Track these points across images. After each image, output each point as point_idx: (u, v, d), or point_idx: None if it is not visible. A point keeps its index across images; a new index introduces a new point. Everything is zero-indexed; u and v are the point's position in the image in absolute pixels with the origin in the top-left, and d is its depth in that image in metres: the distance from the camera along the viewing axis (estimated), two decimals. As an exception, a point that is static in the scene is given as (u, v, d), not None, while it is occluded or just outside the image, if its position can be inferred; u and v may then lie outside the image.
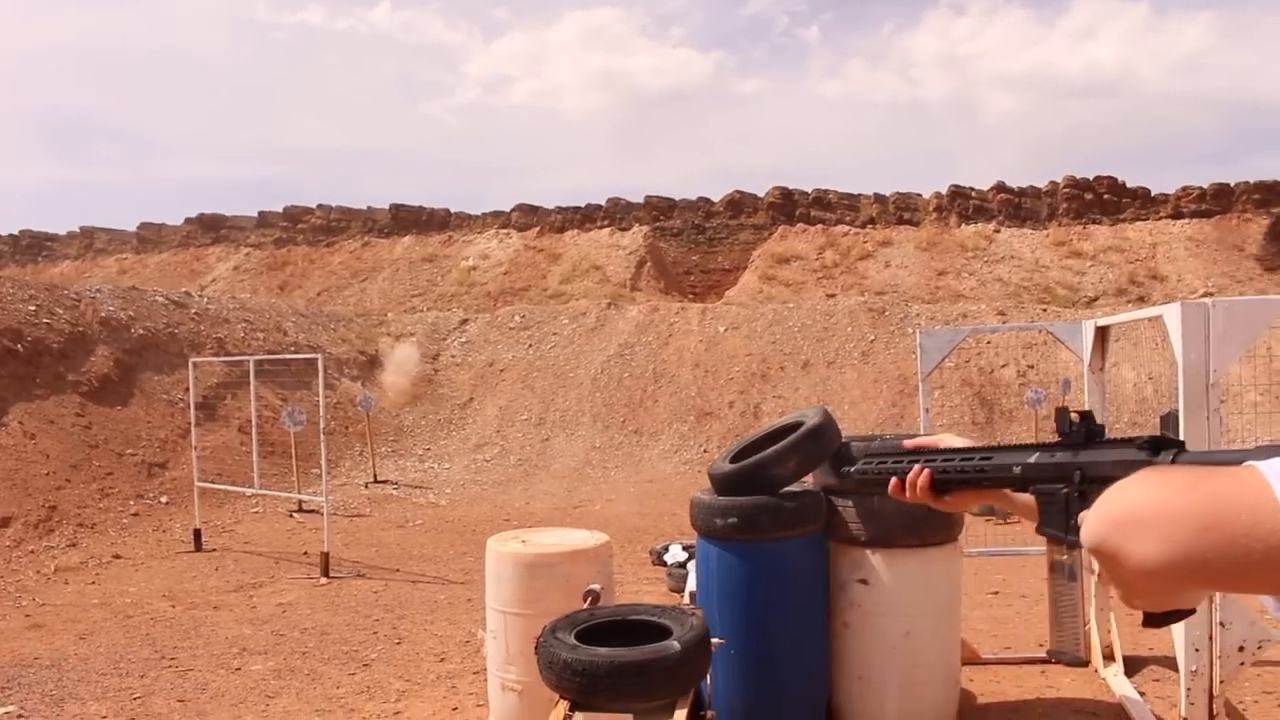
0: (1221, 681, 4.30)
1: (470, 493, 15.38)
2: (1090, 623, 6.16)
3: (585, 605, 4.87)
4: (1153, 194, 51.61)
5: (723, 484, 5.11)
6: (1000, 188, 52.81)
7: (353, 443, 17.00)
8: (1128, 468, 1.07)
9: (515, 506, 13.99)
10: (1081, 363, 6.15)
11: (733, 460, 5.23)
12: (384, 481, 15.75)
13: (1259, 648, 4.30)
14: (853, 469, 1.68)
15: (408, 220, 39.91)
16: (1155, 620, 1.03)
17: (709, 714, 4.89)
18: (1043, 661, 6.21)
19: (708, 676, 4.69)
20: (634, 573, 9.56)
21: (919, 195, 53.55)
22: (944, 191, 52.68)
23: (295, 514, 13.15)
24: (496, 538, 5.78)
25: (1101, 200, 52.49)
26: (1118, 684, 5.66)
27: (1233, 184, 49.73)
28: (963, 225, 30.43)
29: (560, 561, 5.22)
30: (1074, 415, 1.26)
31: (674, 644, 4.18)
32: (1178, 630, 4.38)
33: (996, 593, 8.14)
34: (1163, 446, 1.11)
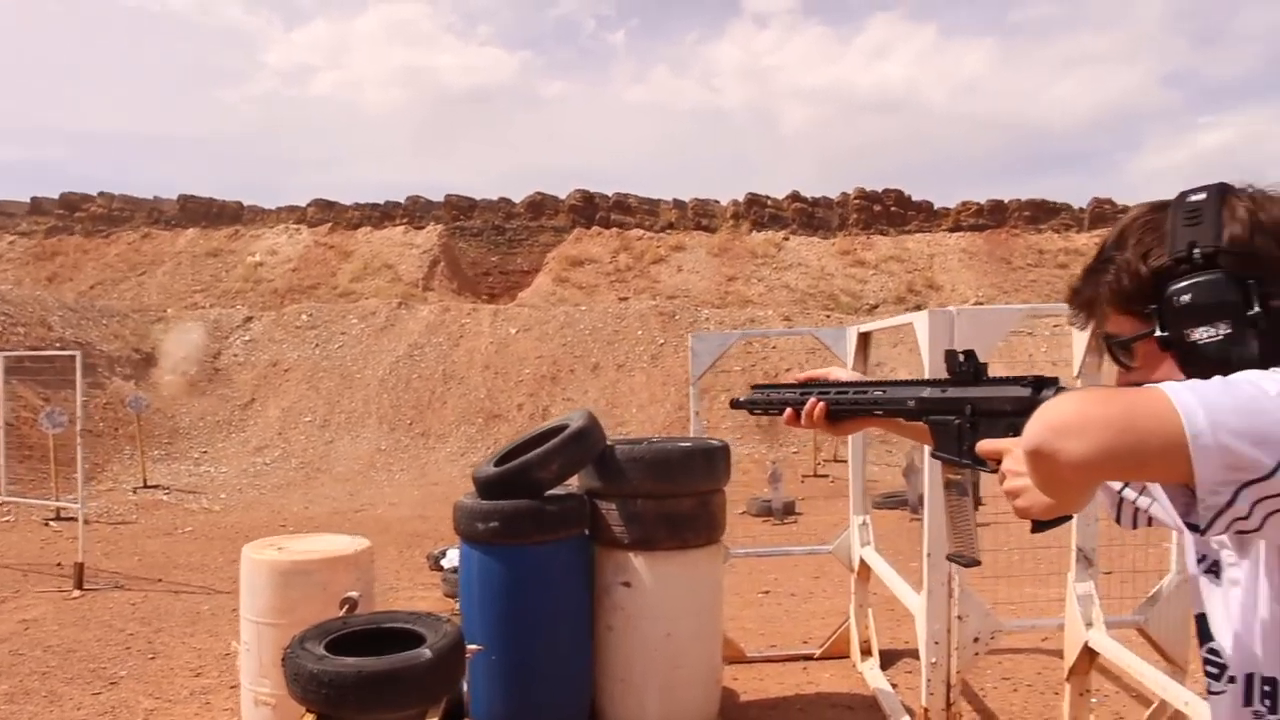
0: (959, 672, 4.49)
1: (247, 498, 14.75)
2: (850, 619, 6.37)
3: (342, 614, 4.71)
4: (935, 208, 54.39)
5: (486, 488, 5.02)
6: (795, 197, 54.54)
7: (122, 445, 16.08)
8: (1015, 402, 1.32)
9: (293, 511, 13.49)
10: (846, 367, 6.34)
11: (497, 464, 5.15)
12: (154, 486, 14.94)
13: (992, 638, 4.51)
14: (742, 399, 1.86)
15: (197, 212, 37.99)
16: (1042, 526, 1.26)
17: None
18: (805, 658, 6.38)
19: (465, 684, 4.60)
20: (410, 578, 9.35)
21: (717, 202, 54.75)
22: (741, 199, 54.09)
23: (51, 522, 12.30)
24: (253, 544, 5.52)
25: (889, 212, 54.87)
26: (872, 677, 5.86)
27: (1006, 200, 52.96)
28: (754, 232, 31.22)
29: (317, 569, 5.02)
30: (961, 355, 1.43)
31: (424, 652, 4.07)
32: (919, 624, 4.55)
33: (767, 592, 8.33)
34: (1044, 385, 1.31)
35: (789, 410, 1.72)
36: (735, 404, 1.93)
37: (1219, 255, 1.21)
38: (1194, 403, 0.98)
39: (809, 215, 52.00)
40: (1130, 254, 1.28)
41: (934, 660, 4.47)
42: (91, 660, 6.82)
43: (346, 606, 4.76)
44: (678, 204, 54.17)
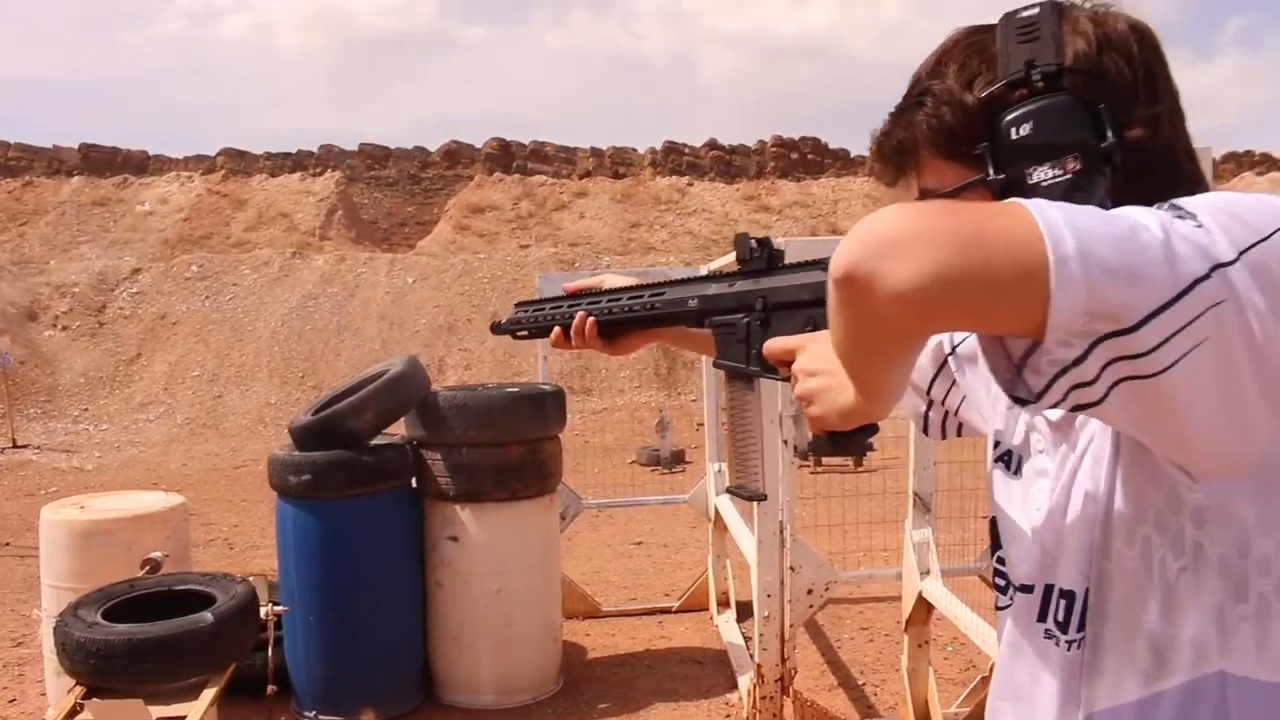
0: (792, 625, 4.28)
1: (125, 456, 14.18)
2: (708, 571, 6.16)
3: (142, 575, 4.39)
4: (852, 155, 54.49)
5: (300, 438, 4.70)
6: (713, 145, 54.25)
7: (-9, 404, 15.34)
8: (814, 289, 1.09)
9: (170, 469, 12.97)
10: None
11: (315, 413, 4.82)
12: (25, 446, 14.27)
13: (826, 589, 4.30)
14: (504, 321, 1.55)
15: (100, 162, 36.39)
16: (839, 441, 1.06)
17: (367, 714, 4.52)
18: (663, 611, 6.16)
19: (270, 649, 4.29)
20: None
21: (634, 150, 54.26)
22: (659, 147, 53.62)
23: (-97, 485, 11.69)
24: (51, 505, 5.15)
25: (806, 160, 54.89)
26: (727, 630, 5.66)
27: (920, 149, 53.30)
28: (657, 178, 30.87)
29: (119, 528, 4.67)
30: (754, 241, 1.20)
31: (206, 616, 3.76)
32: (754, 576, 4.32)
33: (640, 543, 8.11)
34: None
35: (556, 330, 1.43)
36: (496, 328, 1.59)
37: (1063, 75, 0.93)
38: (1062, 223, 0.72)
39: (727, 163, 51.81)
40: (952, 81, 0.97)
41: (766, 614, 4.24)
42: (-91, 629, 6.39)
43: (148, 567, 4.44)
44: (595, 152, 53.60)
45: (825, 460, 12.09)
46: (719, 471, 5.97)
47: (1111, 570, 0.91)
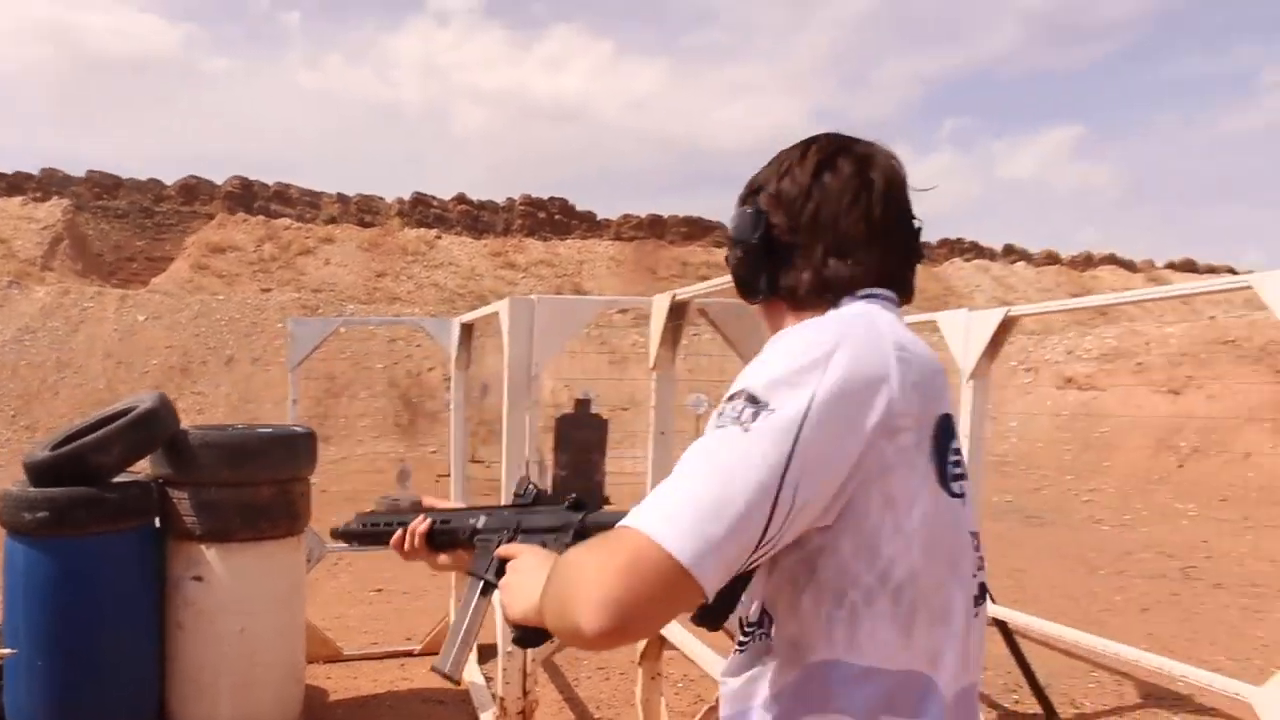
0: (534, 660, 4.52)
1: None
2: (451, 613, 6.30)
3: None
4: (598, 218, 55.94)
5: (38, 474, 4.56)
6: (461, 199, 54.38)
7: None
8: (552, 517, 1.46)
9: None
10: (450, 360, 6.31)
11: (54, 448, 4.70)
12: None
13: (567, 626, 4.58)
14: (342, 528, 1.82)
15: None
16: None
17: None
18: (405, 655, 6.27)
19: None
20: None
21: (382, 199, 53.71)
22: (407, 197, 53.29)
23: None
24: None
25: (553, 220, 55.97)
26: (467, 671, 5.82)
27: (665, 216, 55.27)
28: (405, 229, 30.83)
29: None
30: (533, 485, 1.56)
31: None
32: (498, 614, 4.54)
33: (380, 590, 8.14)
34: (580, 506, 1.45)
35: (395, 535, 1.68)
36: (335, 533, 1.86)
37: (757, 193, 1.32)
38: (671, 534, 1.01)
39: (474, 218, 52.10)
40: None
41: (510, 649, 4.48)
42: None
43: None
44: (341, 198, 52.72)
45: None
46: (465, 516, 6.16)
47: (772, 590, 1.22)
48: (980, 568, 1.25)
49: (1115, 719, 5.54)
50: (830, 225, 1.26)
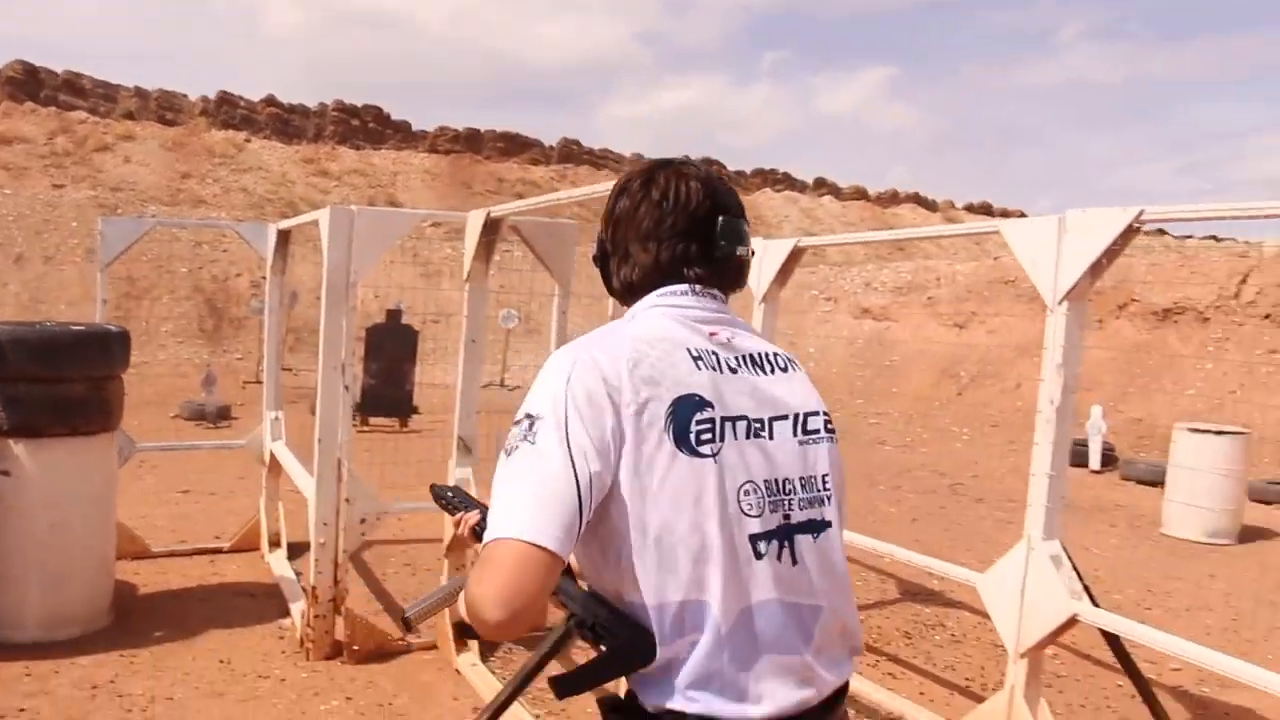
0: (345, 551, 4.78)
1: None
2: (261, 512, 6.48)
3: None
4: (414, 129, 54.67)
5: None
6: (271, 101, 52.21)
7: None
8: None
9: None
10: (267, 264, 6.39)
11: None
12: None
13: (378, 519, 4.86)
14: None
15: None
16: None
17: None
18: (214, 551, 6.41)
19: None
20: None
21: (185, 96, 51.11)
22: (212, 96, 50.85)
23: None
24: None
25: (366, 128, 54.38)
26: (278, 566, 6.03)
27: (483, 130, 54.49)
28: (212, 130, 29.61)
29: None
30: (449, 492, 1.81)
31: None
32: (310, 507, 4.78)
33: (187, 491, 8.18)
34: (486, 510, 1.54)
35: (456, 515, 1.83)
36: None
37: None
38: (514, 528, 1.32)
39: (284, 122, 50.18)
40: None
41: (322, 541, 4.72)
42: None
43: None
44: (140, 92, 49.90)
45: (371, 420, 12.59)
46: (275, 419, 6.31)
47: (581, 557, 1.52)
48: (780, 508, 1.51)
49: (877, 610, 6.19)
50: (624, 239, 1.62)
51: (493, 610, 1.30)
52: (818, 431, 1.58)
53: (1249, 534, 9.19)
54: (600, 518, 1.40)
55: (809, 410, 1.58)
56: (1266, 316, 14.88)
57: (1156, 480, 10.32)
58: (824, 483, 1.56)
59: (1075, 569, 3.76)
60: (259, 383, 15.39)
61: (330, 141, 39.33)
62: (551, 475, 1.34)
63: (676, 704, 1.40)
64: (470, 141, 50.42)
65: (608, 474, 1.38)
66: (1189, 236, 42.54)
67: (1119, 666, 4.69)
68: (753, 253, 1.71)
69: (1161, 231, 41.21)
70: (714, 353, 1.52)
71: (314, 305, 7.63)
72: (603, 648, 1.44)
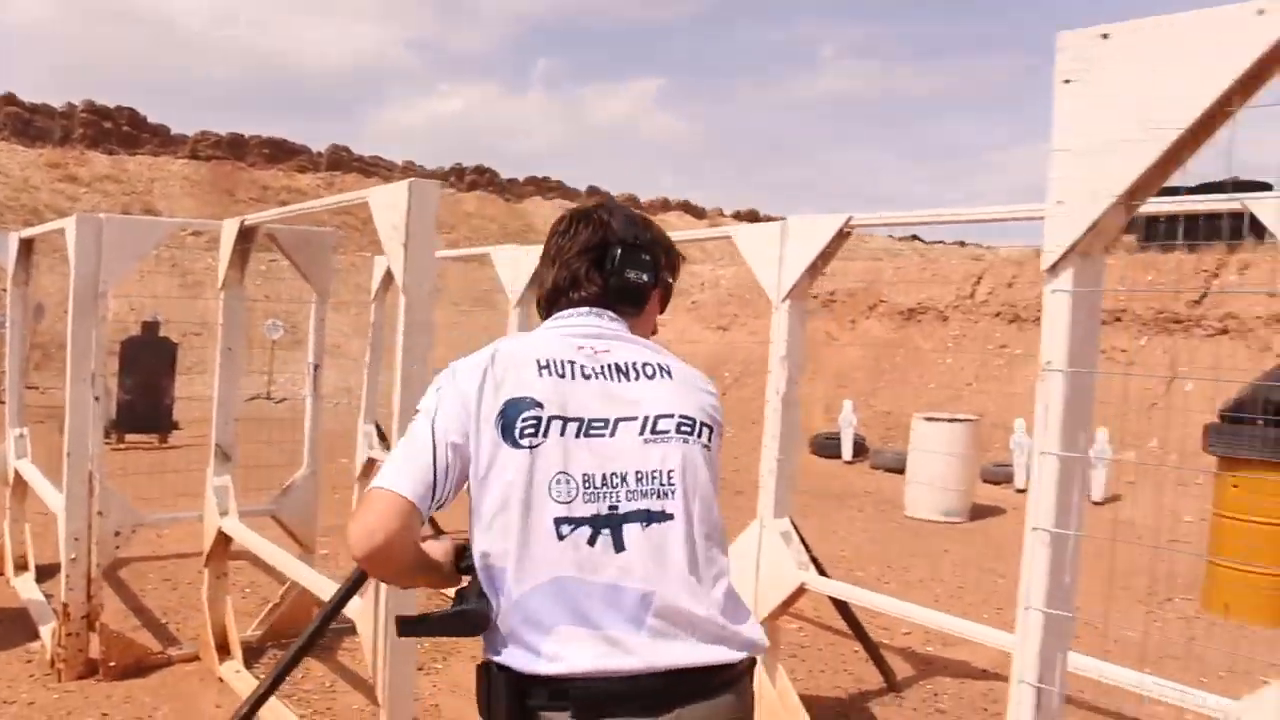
0: (99, 565, 4.68)
1: None
2: (4, 535, 6.19)
3: None
4: (172, 133, 52.05)
5: None
6: (10, 99, 48.71)
7: None
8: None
9: None
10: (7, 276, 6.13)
11: None
12: None
13: (133, 531, 4.78)
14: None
15: None
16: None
17: None
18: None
19: None
20: None
21: (-94, 94, 46.93)
22: (-59, 95, 46.92)
23: None
24: None
25: (121, 131, 51.37)
26: (26, 589, 5.79)
27: (247, 135, 52.44)
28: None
29: None
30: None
31: None
32: (60, 523, 4.65)
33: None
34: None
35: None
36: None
37: None
38: (384, 480, 1.64)
39: (25, 122, 46.86)
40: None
41: (74, 556, 4.61)
42: None
43: None
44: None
45: (129, 437, 12.10)
46: (20, 436, 6.06)
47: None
48: (605, 498, 1.68)
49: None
50: (541, 265, 1.95)
51: (359, 540, 1.59)
52: (667, 432, 1.74)
53: (979, 512, 10.06)
54: (475, 500, 1.69)
55: (662, 413, 1.75)
56: (997, 314, 16.17)
57: (902, 468, 11.12)
58: (668, 478, 1.71)
59: (804, 543, 4.13)
60: (1, 401, 14.47)
61: (79, 145, 37.04)
62: (418, 449, 1.66)
63: (490, 655, 1.67)
64: (234, 147, 48.38)
65: (466, 449, 1.67)
66: (940, 242, 45.53)
67: (852, 633, 5.16)
68: (672, 280, 2.06)
69: (915, 237, 44.31)
70: (571, 362, 1.75)
71: (62, 319, 7.31)
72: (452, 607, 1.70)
